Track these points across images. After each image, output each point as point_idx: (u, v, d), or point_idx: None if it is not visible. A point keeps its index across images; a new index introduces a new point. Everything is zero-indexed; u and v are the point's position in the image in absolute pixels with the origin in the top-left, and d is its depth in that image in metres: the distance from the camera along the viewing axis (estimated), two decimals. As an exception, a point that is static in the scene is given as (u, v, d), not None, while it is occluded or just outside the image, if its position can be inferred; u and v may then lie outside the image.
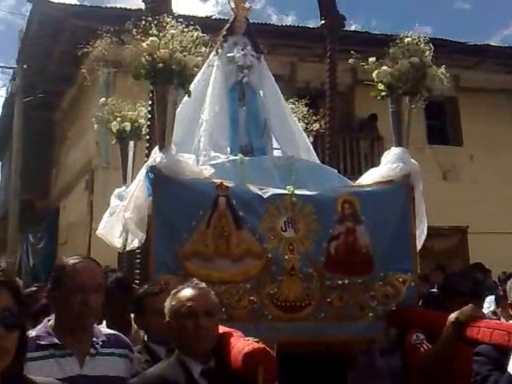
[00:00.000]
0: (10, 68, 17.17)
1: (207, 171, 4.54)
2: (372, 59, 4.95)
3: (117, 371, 2.82)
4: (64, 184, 16.42)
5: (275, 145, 6.03)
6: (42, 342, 2.68)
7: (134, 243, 4.89)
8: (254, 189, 4.56)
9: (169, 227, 4.34)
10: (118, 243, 5.82)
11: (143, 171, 4.54)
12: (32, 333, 2.72)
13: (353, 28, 17.44)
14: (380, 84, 4.93)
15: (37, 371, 2.29)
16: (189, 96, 4.76)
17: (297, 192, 4.59)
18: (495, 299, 7.10)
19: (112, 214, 6.18)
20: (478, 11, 47.62)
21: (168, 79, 4.43)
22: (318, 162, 6.10)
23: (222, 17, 9.88)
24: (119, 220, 5.31)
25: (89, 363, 2.72)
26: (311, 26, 13.48)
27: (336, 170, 5.87)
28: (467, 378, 3.10)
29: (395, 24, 42.72)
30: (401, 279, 4.65)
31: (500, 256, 12.15)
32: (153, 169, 4.38)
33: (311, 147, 6.15)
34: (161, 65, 4.36)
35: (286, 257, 4.45)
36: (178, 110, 4.77)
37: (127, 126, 6.98)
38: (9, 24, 55.01)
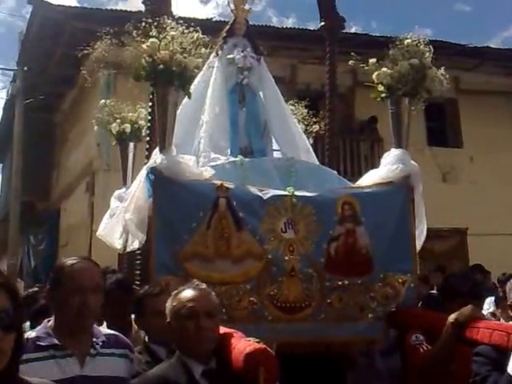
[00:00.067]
0: (10, 70, 17.20)
1: (207, 172, 4.55)
2: (372, 61, 4.96)
3: (117, 371, 2.83)
4: (65, 186, 16.43)
5: (275, 146, 6.05)
6: (42, 343, 2.68)
7: (135, 244, 4.90)
8: (254, 190, 4.57)
9: (169, 228, 4.34)
10: (118, 244, 5.84)
11: (144, 172, 4.55)
12: (32, 334, 2.74)
13: (353, 30, 17.50)
14: (380, 85, 4.95)
15: (37, 372, 2.30)
16: (189, 97, 4.77)
17: (297, 193, 4.60)
18: (495, 300, 7.11)
19: (112, 215, 6.19)
20: (478, 13, 47.68)
21: (168, 81, 4.44)
22: (318, 163, 6.11)
23: (222, 19, 9.90)
24: (119, 221, 5.32)
25: (89, 364, 2.72)
26: (311, 28, 13.47)
27: (336, 172, 5.88)
28: (466, 378, 3.11)
29: (395, 26, 42.84)
30: (400, 280, 4.66)
31: (499, 257, 12.15)
32: (153, 170, 4.39)
33: (311, 149, 6.16)
34: (161, 66, 4.37)
35: (286, 258, 4.46)
36: (178, 111, 4.78)
37: (127, 127, 6.99)
38: (9, 26, 55.14)
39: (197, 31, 4.56)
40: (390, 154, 5.01)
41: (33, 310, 5.36)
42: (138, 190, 4.55)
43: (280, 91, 6.27)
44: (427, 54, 4.90)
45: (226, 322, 3.68)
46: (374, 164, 8.32)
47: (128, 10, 12.70)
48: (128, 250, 5.40)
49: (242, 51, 5.93)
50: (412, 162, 4.96)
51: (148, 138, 5.67)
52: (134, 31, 4.54)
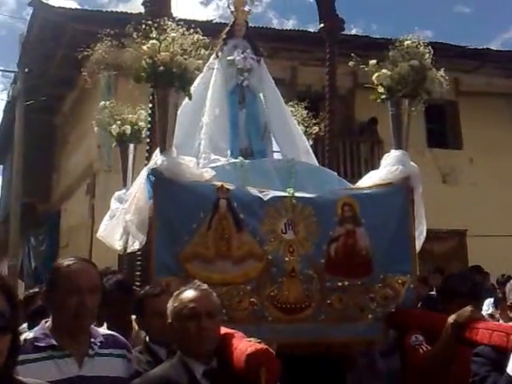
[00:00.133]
0: (11, 72, 17.18)
1: (208, 174, 4.56)
2: (372, 62, 4.97)
3: (115, 371, 2.84)
4: (65, 187, 16.43)
5: (275, 148, 6.05)
6: (40, 344, 2.69)
7: (135, 245, 4.91)
8: (255, 191, 4.58)
9: (170, 229, 4.36)
10: (118, 246, 5.85)
11: (144, 174, 4.56)
12: (30, 334, 2.75)
13: (353, 32, 17.43)
14: (380, 87, 4.96)
15: (35, 373, 2.32)
16: (190, 99, 4.77)
17: (297, 194, 4.62)
18: (493, 302, 7.12)
19: (112, 216, 6.20)
20: (478, 15, 47.68)
21: (169, 82, 4.45)
22: (318, 165, 6.11)
23: (223, 21, 9.89)
24: (119, 222, 5.33)
25: (87, 364, 2.73)
26: (312, 30, 13.48)
27: (336, 173, 5.88)
28: (466, 379, 3.12)
29: (396, 28, 42.88)
30: (400, 281, 4.67)
31: (499, 259, 12.15)
32: (154, 171, 4.40)
33: (311, 150, 6.17)
34: (161, 68, 4.38)
35: (287, 259, 4.48)
36: (178, 112, 4.79)
37: (127, 129, 7.00)
38: (10, 28, 55.17)
39: (197, 33, 4.57)
40: (389, 155, 5.02)
41: (30, 310, 5.36)
42: (138, 191, 4.55)
43: (280, 93, 6.27)
44: (427, 55, 4.91)
45: (227, 322, 3.68)
46: (374, 166, 8.31)
47: (128, 11, 12.71)
48: (128, 251, 5.41)
49: (242, 52, 5.94)
50: (412, 163, 4.97)
51: (148, 140, 5.68)
52: (135, 33, 4.55)
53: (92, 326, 2.90)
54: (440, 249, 14.48)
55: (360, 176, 5.59)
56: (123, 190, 6.65)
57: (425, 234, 5.00)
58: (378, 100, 5.03)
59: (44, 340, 2.70)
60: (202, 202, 4.40)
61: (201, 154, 5.36)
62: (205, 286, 3.07)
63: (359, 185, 5.16)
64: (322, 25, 6.77)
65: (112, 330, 3.22)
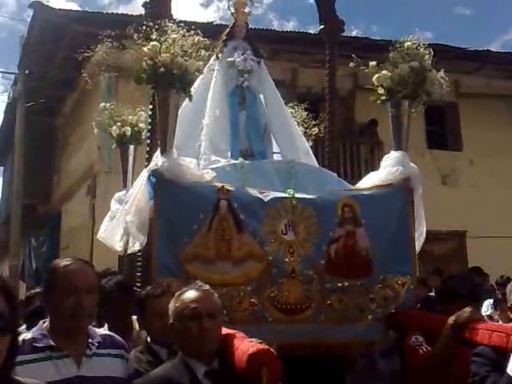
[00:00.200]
0: (11, 73, 17.20)
1: (208, 175, 4.57)
2: (372, 63, 4.98)
3: (113, 371, 2.85)
4: (66, 188, 16.44)
5: (275, 149, 6.06)
6: (39, 344, 2.69)
7: (135, 246, 4.91)
8: (255, 192, 4.59)
9: (170, 230, 4.36)
10: (118, 247, 5.85)
11: (145, 175, 4.56)
12: (28, 335, 2.75)
13: (353, 34, 17.41)
14: (380, 88, 4.96)
15: (34, 373, 2.32)
16: (190, 100, 4.78)
17: (297, 195, 4.62)
18: (493, 303, 7.13)
19: (112, 217, 6.21)
20: (479, 17, 47.76)
21: (169, 83, 4.46)
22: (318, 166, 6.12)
23: (223, 22, 9.89)
24: (120, 224, 5.33)
25: (85, 364, 2.73)
26: (312, 32, 13.49)
27: (336, 174, 5.89)
28: (466, 379, 3.12)
29: (396, 30, 42.94)
30: (400, 282, 4.68)
31: (498, 260, 12.17)
32: (154, 172, 4.41)
33: (311, 151, 6.17)
34: (162, 69, 4.39)
35: (287, 259, 4.48)
36: (178, 113, 4.79)
37: (127, 130, 7.01)
38: (10, 30, 55.25)
39: (197, 34, 4.57)
40: (389, 156, 5.03)
41: (28, 311, 5.37)
42: (139, 192, 4.56)
43: (281, 94, 6.27)
44: (427, 56, 4.92)
45: (227, 323, 3.68)
46: (374, 167, 8.33)
47: (129, 13, 12.73)
48: (129, 252, 5.42)
49: (242, 54, 5.94)
50: (412, 164, 4.98)
51: (148, 141, 5.68)
52: (135, 34, 4.56)
53: (90, 326, 2.91)
54: (440, 250, 14.49)
55: (360, 177, 5.60)
56: (123, 191, 6.66)
57: (424, 235, 5.01)
58: (378, 101, 5.04)
59: (42, 341, 2.71)
60: (203, 203, 4.41)
61: (201, 155, 5.36)
62: (206, 287, 3.08)
63: (359, 186, 5.17)
64: (322, 26, 6.77)
65: (113, 331, 3.23)
